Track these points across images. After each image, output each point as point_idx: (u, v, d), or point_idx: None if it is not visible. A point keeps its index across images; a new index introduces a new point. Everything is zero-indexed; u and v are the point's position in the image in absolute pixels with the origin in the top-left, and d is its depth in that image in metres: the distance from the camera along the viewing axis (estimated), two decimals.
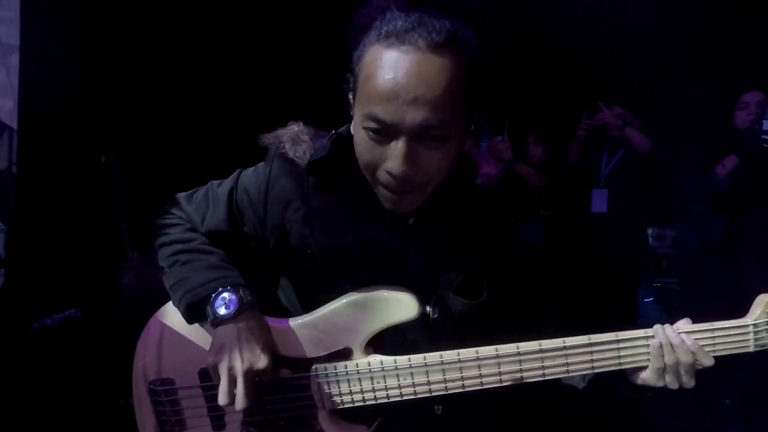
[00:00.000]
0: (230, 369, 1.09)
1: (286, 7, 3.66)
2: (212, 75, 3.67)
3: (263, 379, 1.11)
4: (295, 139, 1.21)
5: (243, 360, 1.09)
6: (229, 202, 1.25)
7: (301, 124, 1.24)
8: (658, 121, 4.07)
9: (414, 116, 0.98)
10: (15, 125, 3.06)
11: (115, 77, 3.44)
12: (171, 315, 1.27)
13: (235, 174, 1.29)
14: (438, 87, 0.98)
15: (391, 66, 0.98)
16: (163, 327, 1.28)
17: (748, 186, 3.43)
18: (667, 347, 1.08)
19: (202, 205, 1.27)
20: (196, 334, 1.23)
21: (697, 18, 4.16)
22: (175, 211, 1.30)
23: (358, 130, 1.06)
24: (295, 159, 1.19)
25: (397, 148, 1.00)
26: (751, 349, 1.09)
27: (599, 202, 3.96)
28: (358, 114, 1.05)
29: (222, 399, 1.09)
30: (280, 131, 1.23)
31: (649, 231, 4.55)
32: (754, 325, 1.08)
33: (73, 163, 3.17)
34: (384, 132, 1.01)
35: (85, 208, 3.09)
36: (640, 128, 3.90)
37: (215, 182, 1.30)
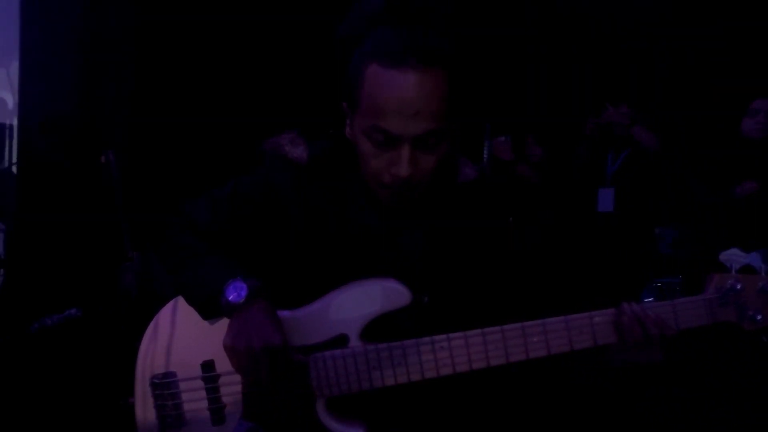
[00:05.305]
0: (248, 348, 1.14)
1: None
2: (213, 76, 3.68)
3: (280, 356, 1.16)
4: (293, 142, 1.32)
5: (259, 338, 1.14)
6: (230, 205, 1.32)
7: (296, 131, 1.34)
8: (667, 122, 4.07)
9: (416, 127, 1.11)
10: (15, 125, 3.06)
11: (116, 77, 3.44)
12: (176, 310, 1.32)
13: (235, 178, 1.36)
14: (434, 100, 1.12)
15: (392, 85, 1.11)
16: (168, 322, 1.32)
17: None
18: (635, 323, 1.18)
19: (204, 210, 1.34)
20: (201, 327, 1.27)
21: (710, 18, 4.14)
22: (178, 218, 1.36)
23: (361, 138, 1.17)
24: (294, 159, 1.30)
25: (402, 154, 1.13)
26: (708, 321, 1.23)
27: (606, 201, 3.95)
28: (361, 125, 1.17)
29: (247, 376, 1.19)
30: (279, 137, 1.33)
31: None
32: (708, 300, 1.23)
33: (73, 163, 3.17)
34: (389, 141, 1.13)
35: (85, 208, 3.09)
36: (648, 127, 3.89)
37: (217, 188, 1.37)
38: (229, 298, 1.18)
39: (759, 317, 1.20)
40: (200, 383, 1.27)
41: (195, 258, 1.28)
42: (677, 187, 3.85)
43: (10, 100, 3.06)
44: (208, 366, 1.27)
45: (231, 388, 1.25)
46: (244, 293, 1.18)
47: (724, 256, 3.23)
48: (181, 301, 1.32)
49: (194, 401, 1.27)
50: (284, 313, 1.23)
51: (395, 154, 1.14)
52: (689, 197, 3.78)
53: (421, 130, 1.11)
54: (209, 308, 1.24)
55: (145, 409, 1.31)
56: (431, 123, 1.12)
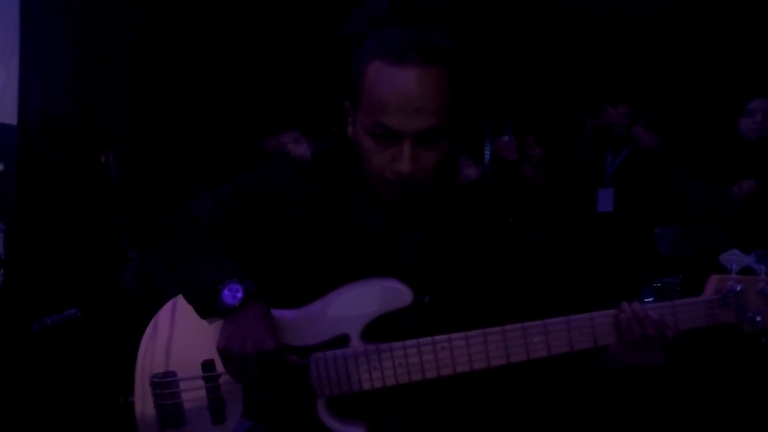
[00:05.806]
0: (241, 352, 1.15)
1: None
2: (214, 76, 3.67)
3: (272, 360, 1.16)
4: (296, 141, 1.33)
5: (252, 342, 1.15)
6: (232, 204, 1.32)
7: (298, 131, 1.36)
8: (667, 122, 4.08)
9: (418, 123, 1.13)
10: (15, 125, 3.06)
11: (116, 77, 3.44)
12: (175, 309, 1.33)
13: (237, 177, 1.37)
14: (435, 97, 1.13)
15: (394, 81, 1.12)
16: (167, 321, 1.33)
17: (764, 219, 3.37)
18: (634, 321, 1.18)
19: (206, 206, 1.34)
20: (201, 327, 1.27)
21: (710, 18, 4.14)
22: (180, 213, 1.36)
23: (362, 135, 1.19)
24: (297, 158, 1.31)
25: (403, 150, 1.14)
26: (707, 323, 1.23)
27: (605, 201, 3.95)
28: (363, 122, 1.18)
29: (239, 378, 1.19)
30: (281, 135, 1.35)
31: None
32: (708, 302, 1.22)
33: (73, 163, 3.17)
34: (390, 137, 1.15)
35: (85, 208, 3.09)
36: (647, 127, 3.90)
37: (218, 186, 1.37)
38: (225, 300, 1.18)
39: (758, 318, 1.20)
40: (200, 382, 1.27)
41: (193, 258, 1.28)
42: (677, 186, 3.85)
43: (10, 99, 3.05)
44: (208, 365, 1.27)
45: (231, 387, 1.25)
46: (239, 295, 1.18)
47: (723, 257, 3.24)
48: (180, 300, 1.32)
49: (194, 400, 1.27)
50: (285, 313, 1.23)
51: (397, 151, 1.15)
52: (688, 197, 3.79)
53: (422, 126, 1.13)
54: (206, 309, 1.23)
55: (144, 408, 1.31)
56: (432, 120, 1.13)
